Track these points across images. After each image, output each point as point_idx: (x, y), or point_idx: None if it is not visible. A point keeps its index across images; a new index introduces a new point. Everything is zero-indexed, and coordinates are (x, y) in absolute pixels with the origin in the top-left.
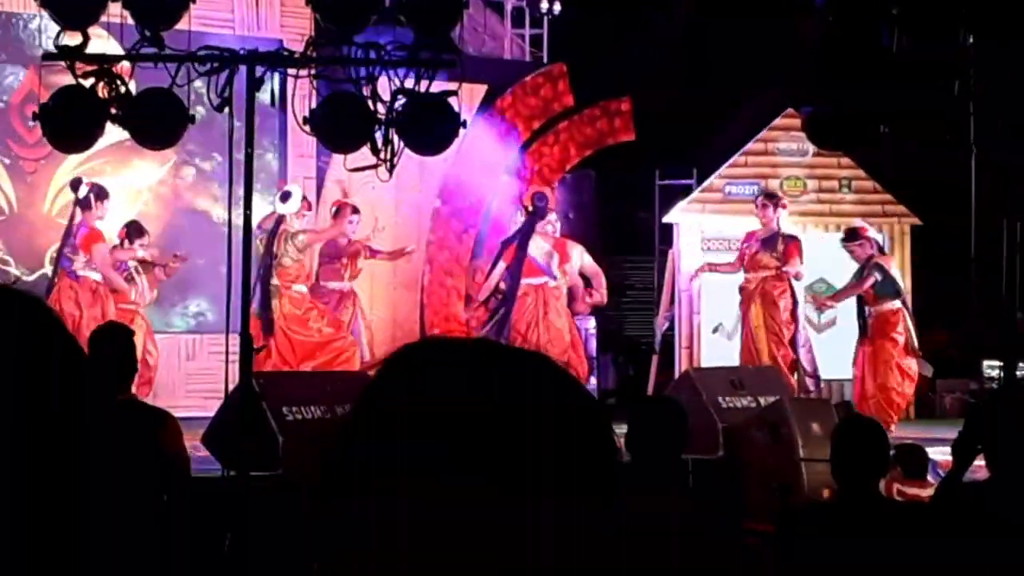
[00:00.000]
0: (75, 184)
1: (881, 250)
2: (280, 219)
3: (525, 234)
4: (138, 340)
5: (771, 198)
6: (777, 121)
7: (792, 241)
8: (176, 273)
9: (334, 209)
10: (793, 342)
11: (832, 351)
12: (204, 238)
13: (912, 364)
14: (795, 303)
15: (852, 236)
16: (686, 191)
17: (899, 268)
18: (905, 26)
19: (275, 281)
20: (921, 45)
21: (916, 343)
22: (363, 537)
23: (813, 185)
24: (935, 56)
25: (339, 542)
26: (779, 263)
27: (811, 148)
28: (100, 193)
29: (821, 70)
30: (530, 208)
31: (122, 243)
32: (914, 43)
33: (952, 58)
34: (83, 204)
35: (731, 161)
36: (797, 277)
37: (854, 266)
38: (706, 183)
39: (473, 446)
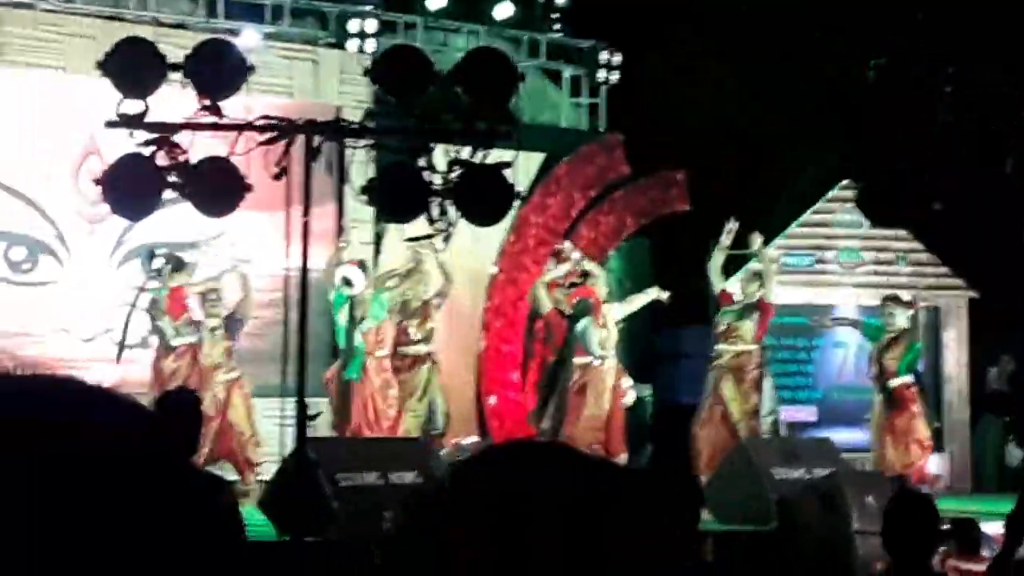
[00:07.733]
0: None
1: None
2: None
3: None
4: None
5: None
6: (834, 192)
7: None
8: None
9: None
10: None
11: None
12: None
13: (927, 433)
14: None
15: (898, 301)
16: (743, 260)
17: (955, 341)
18: (958, 102)
19: (358, 343)
20: (973, 120)
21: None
22: None
23: (870, 257)
24: (987, 130)
25: None
26: None
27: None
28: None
29: (875, 144)
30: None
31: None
32: (966, 118)
33: (1004, 132)
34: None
35: (788, 231)
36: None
37: None
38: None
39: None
